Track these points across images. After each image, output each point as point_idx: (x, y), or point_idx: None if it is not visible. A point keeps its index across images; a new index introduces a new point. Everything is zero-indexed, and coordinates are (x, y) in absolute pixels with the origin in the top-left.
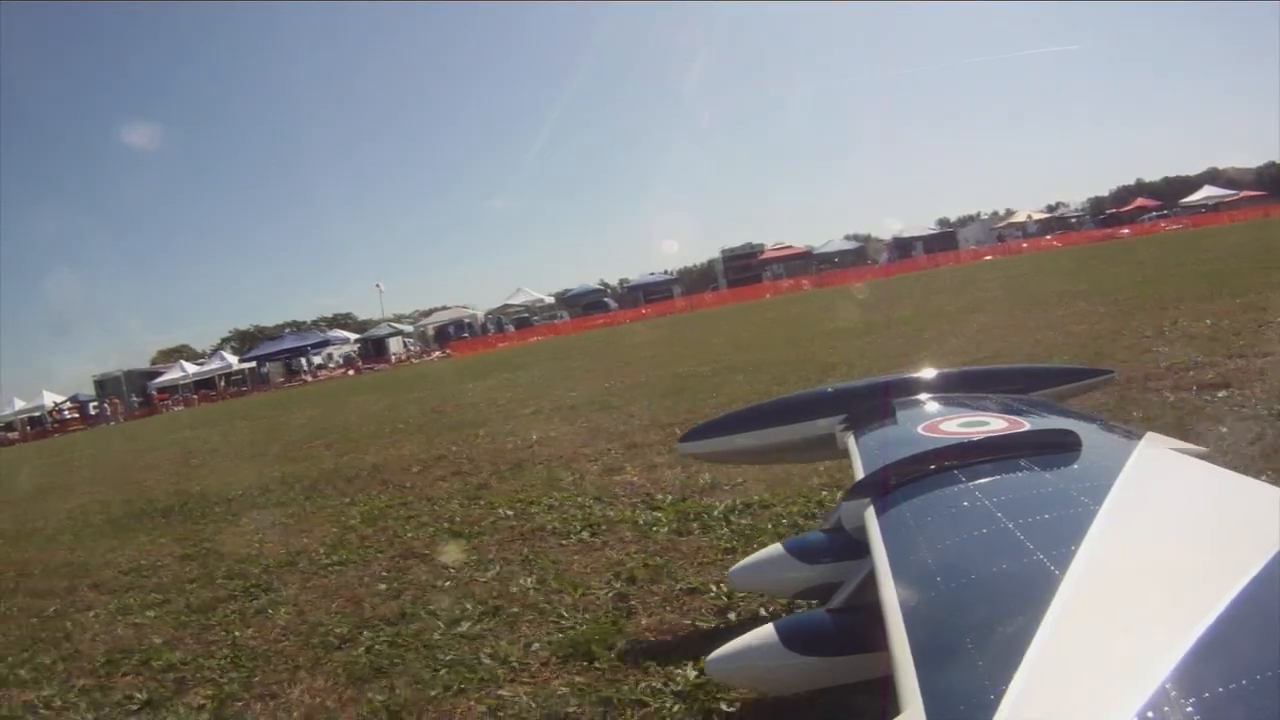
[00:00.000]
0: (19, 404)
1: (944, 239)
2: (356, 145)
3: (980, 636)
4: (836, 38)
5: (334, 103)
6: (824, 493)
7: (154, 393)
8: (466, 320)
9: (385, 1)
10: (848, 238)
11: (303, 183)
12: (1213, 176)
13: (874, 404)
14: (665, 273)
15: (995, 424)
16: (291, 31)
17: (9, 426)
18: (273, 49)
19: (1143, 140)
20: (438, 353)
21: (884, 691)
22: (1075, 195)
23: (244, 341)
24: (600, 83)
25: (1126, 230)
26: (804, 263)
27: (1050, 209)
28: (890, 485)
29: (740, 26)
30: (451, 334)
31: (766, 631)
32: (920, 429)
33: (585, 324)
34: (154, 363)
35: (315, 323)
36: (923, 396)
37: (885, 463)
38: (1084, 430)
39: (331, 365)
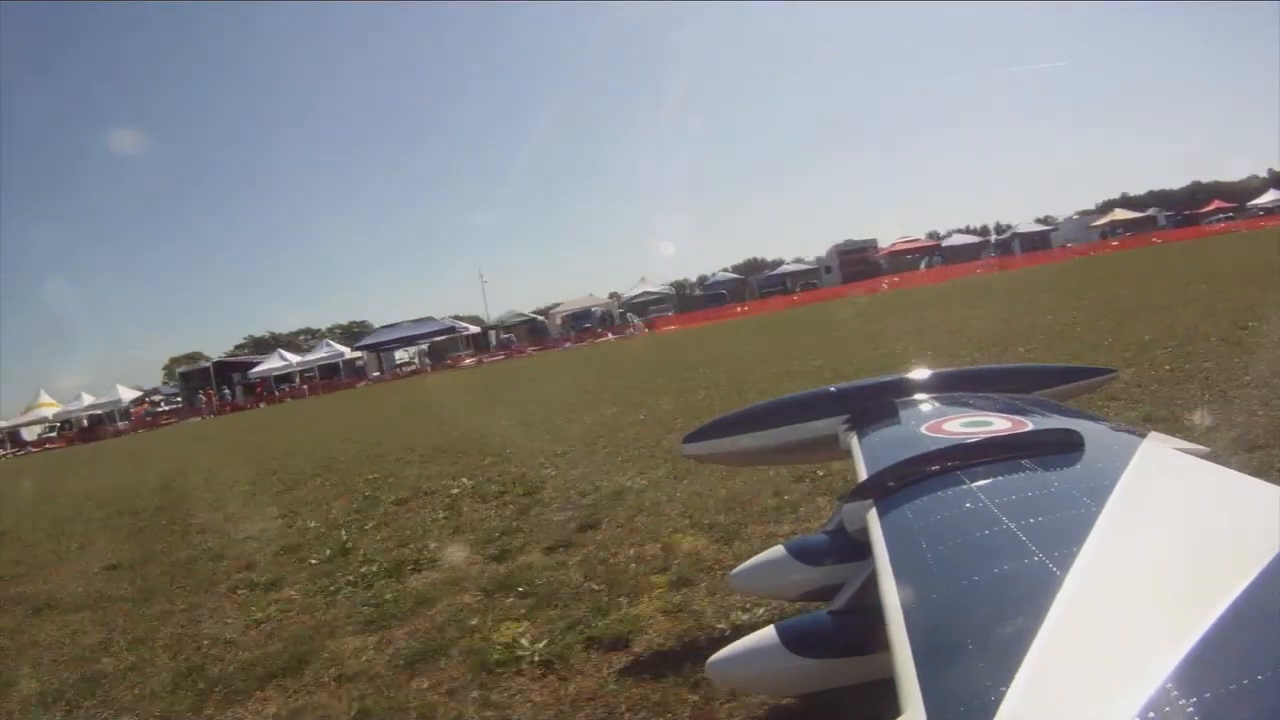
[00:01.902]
0: (87, 399)
1: (1040, 238)
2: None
3: (982, 637)
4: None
5: (342, 107)
6: None
7: (255, 383)
8: (594, 310)
9: (401, 2)
10: (969, 230)
11: (305, 191)
12: (1196, 189)
13: (876, 404)
14: (797, 261)
15: (998, 424)
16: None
17: (110, 417)
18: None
19: (1121, 155)
20: (630, 330)
21: (886, 693)
22: (1062, 208)
23: (257, 347)
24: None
25: (1243, 226)
26: (918, 256)
27: (1040, 221)
28: (892, 486)
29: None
30: (571, 325)
31: (768, 633)
32: (923, 429)
33: (703, 316)
34: (165, 368)
35: (331, 329)
36: (925, 396)
37: (888, 463)
38: (1087, 430)
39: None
